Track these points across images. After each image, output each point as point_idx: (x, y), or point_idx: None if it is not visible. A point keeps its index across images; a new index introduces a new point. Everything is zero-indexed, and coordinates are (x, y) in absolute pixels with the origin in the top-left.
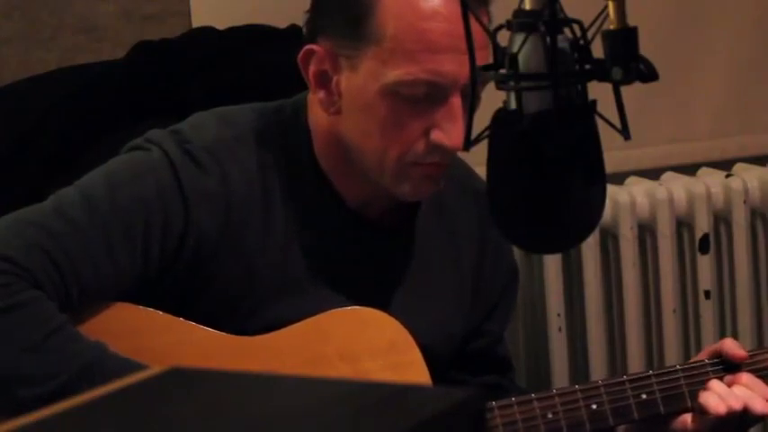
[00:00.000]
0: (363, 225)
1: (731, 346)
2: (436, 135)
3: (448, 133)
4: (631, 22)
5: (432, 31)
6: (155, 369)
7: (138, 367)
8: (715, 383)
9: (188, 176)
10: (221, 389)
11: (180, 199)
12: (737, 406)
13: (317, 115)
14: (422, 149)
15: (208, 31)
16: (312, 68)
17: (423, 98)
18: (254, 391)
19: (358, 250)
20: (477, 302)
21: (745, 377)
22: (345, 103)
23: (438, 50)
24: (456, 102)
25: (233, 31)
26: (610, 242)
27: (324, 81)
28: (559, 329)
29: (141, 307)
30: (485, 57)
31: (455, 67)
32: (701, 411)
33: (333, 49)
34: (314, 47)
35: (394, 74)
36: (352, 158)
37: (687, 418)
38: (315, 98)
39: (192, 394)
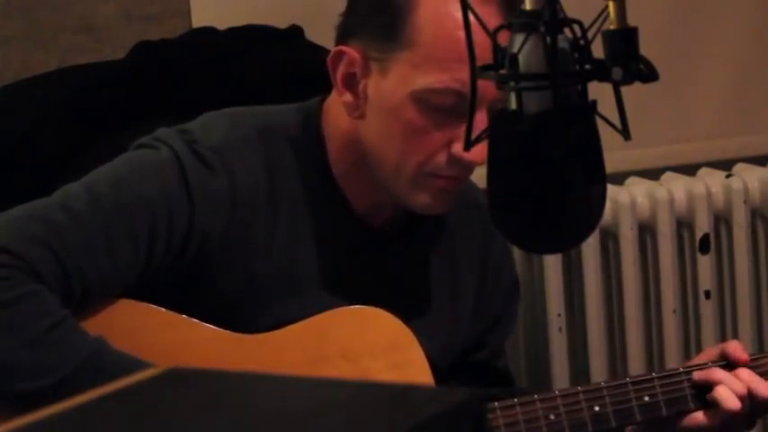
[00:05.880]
0: (369, 231)
1: (735, 348)
2: (457, 148)
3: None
4: (631, 22)
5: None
6: (155, 369)
7: (136, 364)
8: (720, 373)
9: (195, 176)
10: (221, 389)
11: (185, 198)
12: (743, 390)
13: (336, 119)
14: (442, 161)
15: (208, 31)
16: (341, 70)
17: (450, 109)
18: (252, 392)
19: (362, 256)
20: (479, 319)
21: (745, 372)
22: (370, 108)
23: None
24: (481, 117)
25: (233, 31)
26: (610, 242)
27: (351, 84)
28: (559, 329)
29: (144, 303)
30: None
31: (485, 81)
32: (714, 405)
33: (364, 51)
34: (345, 48)
35: (424, 80)
36: (368, 164)
37: (698, 415)
38: (336, 101)
39: (192, 394)
